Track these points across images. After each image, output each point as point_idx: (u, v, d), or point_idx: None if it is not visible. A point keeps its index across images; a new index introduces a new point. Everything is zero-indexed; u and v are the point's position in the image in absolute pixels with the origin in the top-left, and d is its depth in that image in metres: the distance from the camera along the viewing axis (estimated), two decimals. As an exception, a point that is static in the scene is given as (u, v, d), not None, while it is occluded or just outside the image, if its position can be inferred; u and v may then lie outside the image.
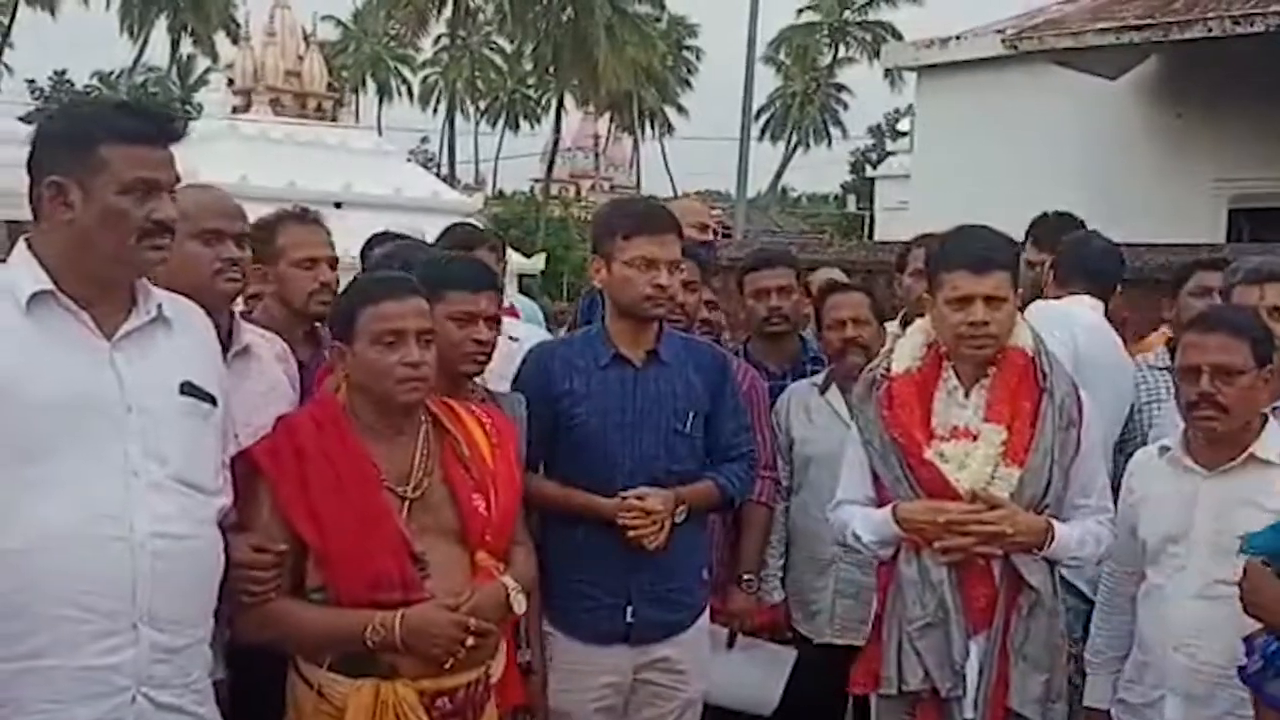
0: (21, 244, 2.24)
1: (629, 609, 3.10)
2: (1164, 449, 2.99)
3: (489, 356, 2.90)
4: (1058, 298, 3.81)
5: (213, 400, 2.36)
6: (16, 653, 2.08)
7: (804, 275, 4.40)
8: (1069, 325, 3.56)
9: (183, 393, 2.30)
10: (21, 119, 13.77)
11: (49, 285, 2.18)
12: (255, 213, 3.11)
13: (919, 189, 11.38)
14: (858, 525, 3.00)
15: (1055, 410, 2.89)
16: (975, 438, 2.86)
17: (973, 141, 10.18)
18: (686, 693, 3.22)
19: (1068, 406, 2.91)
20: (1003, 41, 9.36)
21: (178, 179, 2.28)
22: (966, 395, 2.93)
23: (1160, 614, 2.90)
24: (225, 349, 2.67)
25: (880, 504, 2.97)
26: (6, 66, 43.10)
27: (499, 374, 3.18)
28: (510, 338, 3.89)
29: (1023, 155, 9.53)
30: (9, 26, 44.47)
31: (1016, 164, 9.42)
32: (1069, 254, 3.90)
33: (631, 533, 3.02)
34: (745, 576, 3.71)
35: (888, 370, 3.00)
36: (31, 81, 47.71)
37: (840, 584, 3.79)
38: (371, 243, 3.96)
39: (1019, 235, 4.10)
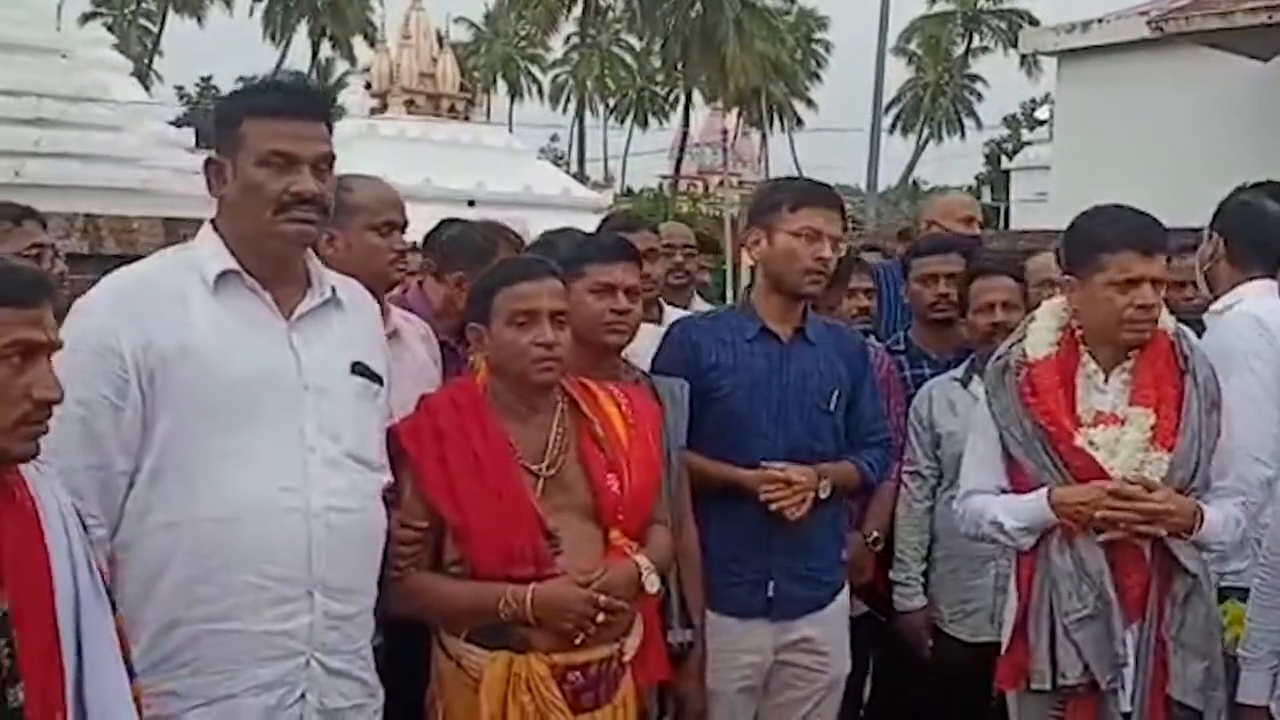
0: (207, 224, 2.33)
1: (770, 584, 3.11)
2: None
3: (631, 327, 2.92)
4: (1233, 285, 3.36)
5: (380, 380, 2.44)
6: (205, 614, 2.18)
7: (1020, 262, 4.18)
8: (1271, 345, 3.17)
9: (353, 372, 2.38)
10: (172, 123, 14.32)
11: (234, 265, 2.26)
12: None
13: (1059, 180, 11.09)
14: (998, 513, 2.89)
15: (1200, 393, 2.82)
16: (1122, 423, 2.80)
17: (1116, 130, 9.87)
18: (829, 674, 3.23)
19: (1210, 389, 2.85)
20: (1148, 24, 9.05)
21: (328, 155, 2.28)
22: (1106, 380, 2.87)
23: None
24: None
25: (1018, 493, 2.89)
26: (157, 74, 44.92)
27: (644, 355, 3.20)
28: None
29: (1169, 143, 9.22)
30: (159, 35, 46.37)
31: (1163, 153, 9.11)
32: (1243, 227, 3.40)
33: (773, 505, 3.03)
34: (867, 532, 3.67)
35: (1024, 356, 2.92)
36: (180, 88, 49.71)
37: (1001, 579, 3.66)
38: (440, 227, 3.93)
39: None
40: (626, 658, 2.63)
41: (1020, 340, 2.98)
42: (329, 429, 2.30)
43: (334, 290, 2.38)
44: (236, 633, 2.19)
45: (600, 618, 2.49)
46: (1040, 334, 2.94)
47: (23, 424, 1.76)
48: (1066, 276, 2.92)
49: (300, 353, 2.29)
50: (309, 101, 2.32)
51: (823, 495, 3.08)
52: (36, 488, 1.84)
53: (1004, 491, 2.93)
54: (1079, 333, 2.89)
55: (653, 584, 2.61)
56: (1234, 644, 3.11)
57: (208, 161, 2.28)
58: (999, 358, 3.00)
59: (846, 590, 3.31)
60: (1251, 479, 3.10)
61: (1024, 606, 2.88)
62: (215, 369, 2.19)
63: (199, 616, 2.18)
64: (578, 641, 2.50)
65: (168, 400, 2.18)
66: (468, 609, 2.53)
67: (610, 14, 48.01)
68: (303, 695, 2.26)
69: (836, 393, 3.16)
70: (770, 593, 3.11)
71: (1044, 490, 2.80)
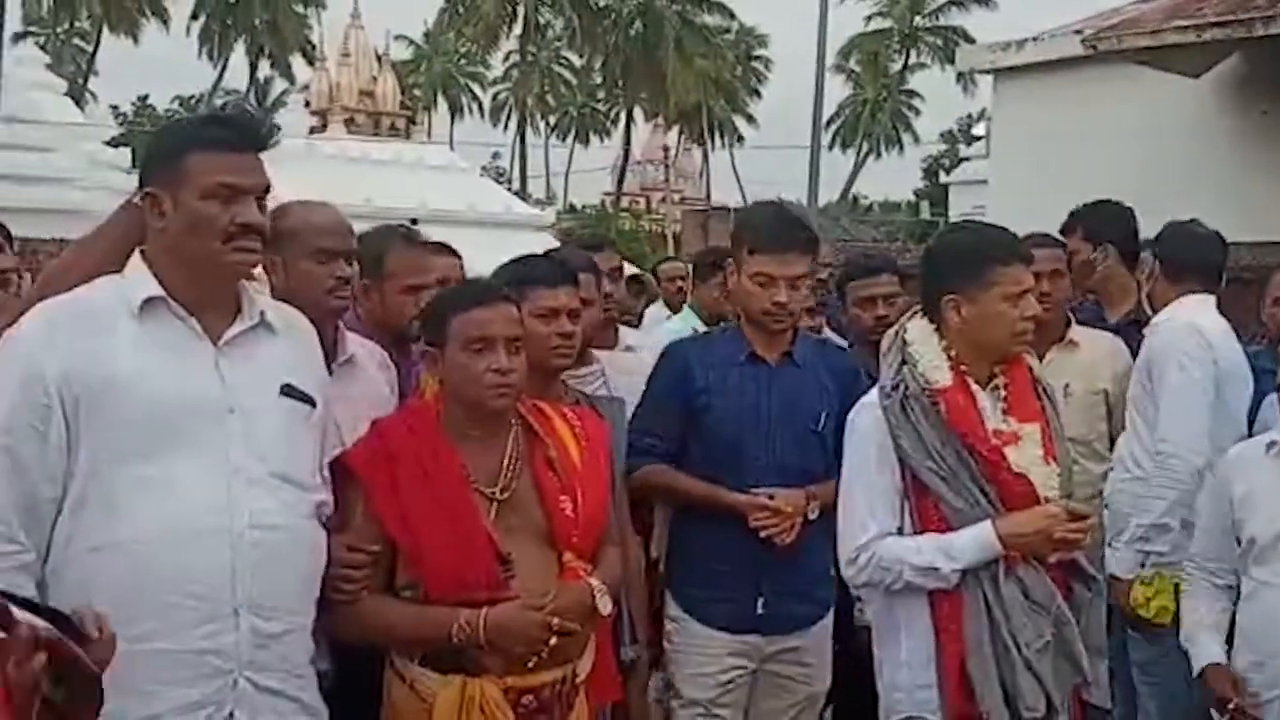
0: (136, 254, 2.35)
1: (760, 600, 3.17)
2: (1272, 444, 2.93)
3: (574, 349, 2.98)
4: (1166, 301, 3.72)
5: (312, 402, 2.45)
6: (128, 635, 2.14)
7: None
8: (1207, 351, 3.53)
9: (283, 394, 2.39)
10: (107, 143, 14.12)
11: (159, 292, 2.28)
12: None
13: (997, 194, 11.24)
14: (930, 557, 2.69)
15: (1049, 398, 2.88)
16: (1018, 439, 2.76)
17: (1052, 144, 10.03)
18: (811, 686, 3.31)
19: (1052, 392, 2.92)
20: (1081, 42, 9.21)
21: (267, 185, 2.34)
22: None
23: (1275, 614, 2.83)
24: (331, 359, 2.74)
25: (924, 532, 2.73)
26: (92, 94, 44.26)
27: (627, 387, 3.32)
28: (627, 347, 3.96)
29: (1104, 158, 9.37)
30: (93, 54, 45.74)
31: (1098, 167, 9.26)
32: (1177, 247, 3.78)
33: (763, 532, 3.09)
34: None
35: (927, 383, 2.76)
36: (115, 107, 48.99)
37: None
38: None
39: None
40: (580, 679, 2.63)
41: (904, 367, 2.81)
42: (256, 450, 2.31)
43: (263, 314, 2.40)
44: (161, 652, 2.19)
45: (553, 641, 2.48)
46: (930, 358, 2.79)
47: None
48: (949, 296, 2.77)
49: (226, 375, 2.31)
50: (252, 134, 2.36)
51: (811, 517, 3.13)
52: None
53: (900, 533, 2.76)
54: (954, 353, 2.79)
55: (605, 606, 2.61)
56: (1161, 613, 3.35)
57: (146, 194, 2.29)
58: (893, 389, 2.79)
59: (832, 610, 3.34)
60: (1182, 470, 3.43)
61: (954, 648, 2.70)
62: (139, 396, 2.21)
63: (124, 638, 2.16)
64: (531, 665, 2.49)
65: (91, 428, 2.20)
66: (419, 633, 2.52)
67: (550, 32, 48.09)
68: (230, 715, 2.26)
69: (825, 413, 3.20)
70: (760, 609, 3.17)
71: (986, 525, 2.67)
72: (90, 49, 45.68)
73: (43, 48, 34.54)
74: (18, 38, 40.66)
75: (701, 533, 3.18)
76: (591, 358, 3.44)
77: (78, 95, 34.23)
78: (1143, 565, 3.48)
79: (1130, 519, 3.53)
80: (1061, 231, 4.08)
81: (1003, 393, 2.81)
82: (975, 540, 2.68)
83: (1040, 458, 2.76)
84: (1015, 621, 2.67)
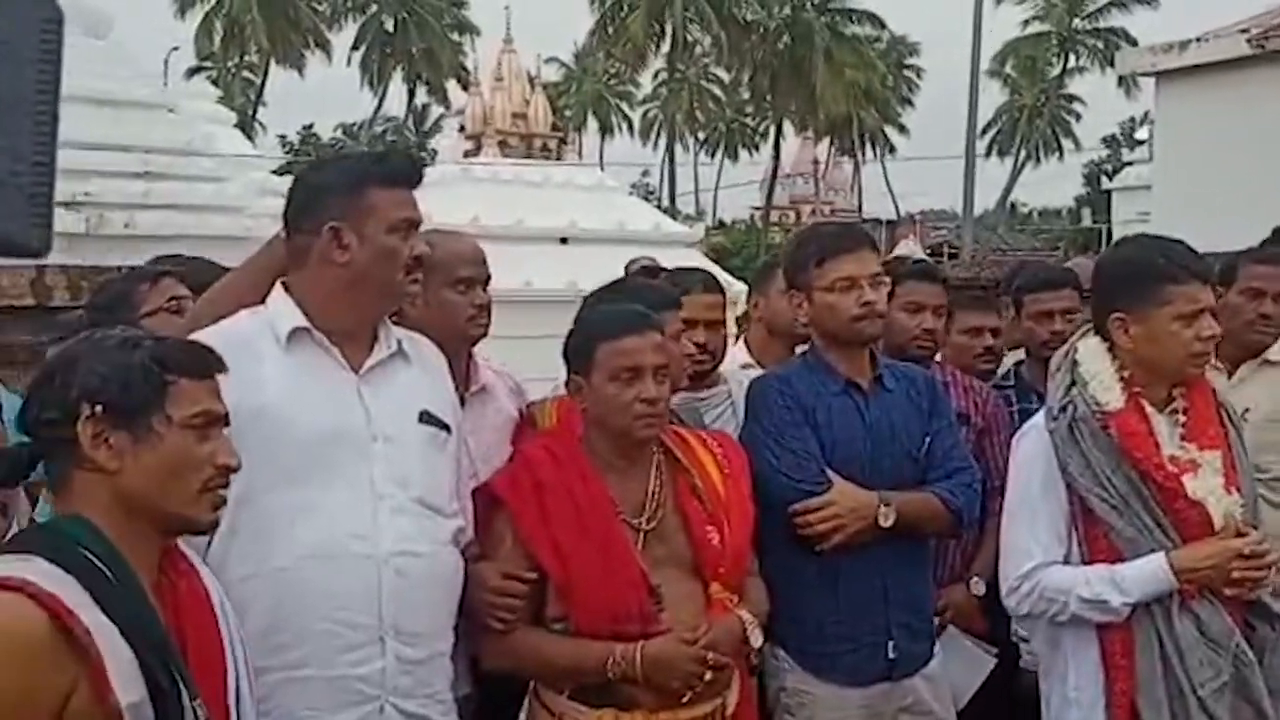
0: (279, 287, 2.42)
1: (890, 644, 2.95)
2: None
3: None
4: None
5: (448, 428, 2.49)
6: (281, 663, 2.24)
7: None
8: None
9: (421, 421, 2.44)
10: (274, 172, 14.70)
11: (305, 323, 2.35)
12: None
13: (1161, 201, 10.84)
14: (1100, 589, 2.58)
15: (1234, 424, 2.72)
16: (1197, 468, 2.61)
17: (1218, 149, 9.62)
18: None
19: (1236, 417, 2.75)
20: (1248, 41, 8.85)
21: (422, 219, 2.45)
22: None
23: None
24: (464, 388, 2.77)
25: (1093, 561, 2.63)
26: (261, 124, 46.24)
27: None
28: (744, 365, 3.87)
29: (1273, 161, 8.96)
30: (261, 86, 47.74)
31: (1266, 170, 8.85)
32: None
33: (808, 529, 2.87)
34: (975, 578, 3.54)
35: (1098, 406, 2.65)
36: (283, 137, 51.06)
37: None
38: None
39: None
40: (729, 712, 2.60)
41: (1073, 388, 2.71)
42: (398, 477, 2.36)
43: (400, 344, 2.46)
44: (313, 679, 2.25)
45: (708, 676, 2.46)
46: (1101, 379, 2.68)
47: (206, 490, 1.84)
48: (1116, 315, 2.67)
49: (369, 404, 2.37)
50: (419, 170, 2.49)
51: (884, 523, 2.90)
52: (201, 570, 1.93)
53: (1067, 561, 2.66)
54: (1127, 374, 2.68)
55: (757, 638, 2.58)
56: None
57: (330, 228, 2.34)
58: (1060, 411, 2.70)
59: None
60: None
61: (1124, 685, 2.60)
62: (288, 425, 2.28)
63: (278, 665, 2.23)
64: (685, 699, 2.48)
65: (243, 457, 2.23)
66: (574, 667, 2.52)
67: (698, 48, 48.19)
68: None
69: (924, 436, 3.05)
70: (891, 653, 2.95)
71: (1159, 556, 2.56)
72: (259, 81, 47.68)
73: (214, 82, 36.21)
74: (191, 73, 42.83)
75: (817, 582, 2.92)
76: (718, 378, 3.33)
77: (247, 126, 35.77)
78: None
79: None
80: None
81: (1181, 417, 2.67)
82: (1146, 572, 2.57)
83: (1221, 487, 2.61)
84: (1190, 660, 2.54)
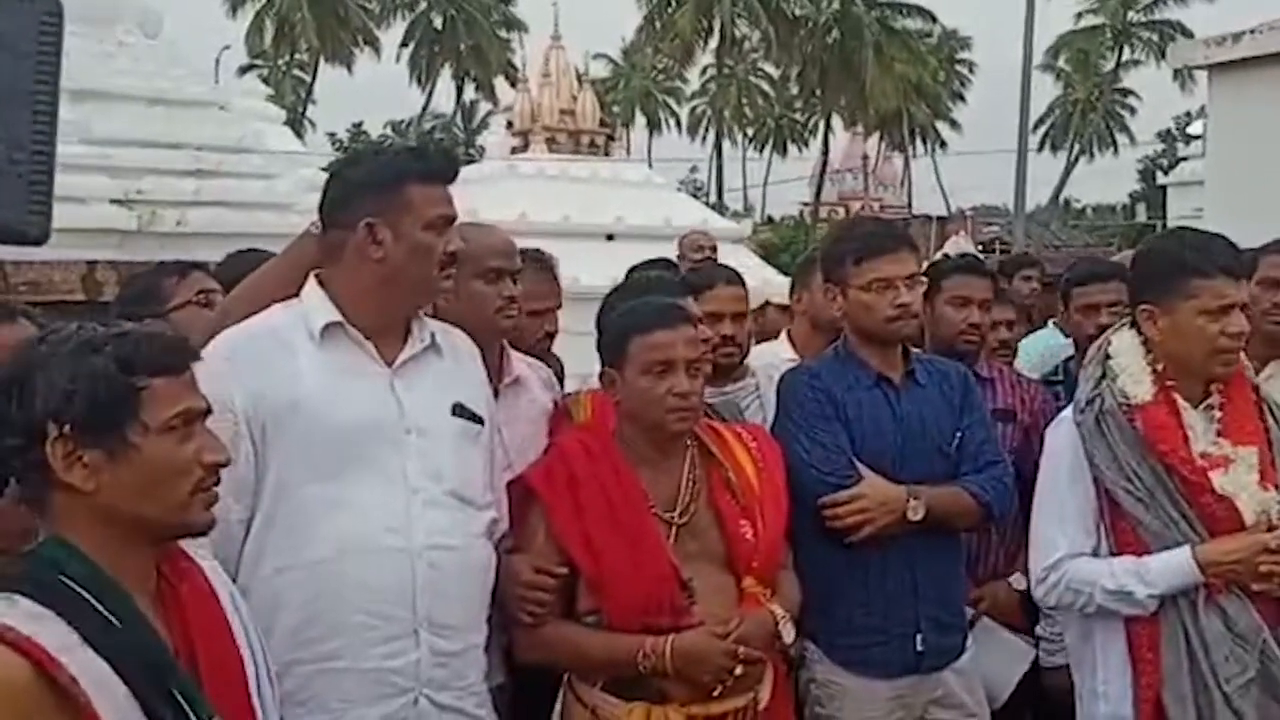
0: (312, 281, 2.42)
1: (919, 636, 2.94)
2: None
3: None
4: None
5: (481, 421, 2.50)
6: (316, 654, 2.26)
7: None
8: None
9: (454, 414, 2.45)
10: (324, 170, 14.80)
11: (338, 317, 2.37)
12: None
13: (1214, 196, 10.65)
14: (1124, 580, 2.59)
15: (1275, 419, 2.67)
16: (1230, 463, 2.59)
17: (1272, 142, 9.45)
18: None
19: (1277, 412, 2.71)
20: (1305, 32, 8.68)
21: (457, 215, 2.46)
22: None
23: None
24: (497, 380, 2.78)
25: (1121, 553, 2.63)
26: (310, 121, 46.69)
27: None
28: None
29: (1332, 155, 8.79)
30: (311, 84, 48.20)
31: (1325, 165, 8.69)
32: None
33: (837, 522, 2.85)
34: (1016, 574, 3.48)
35: (1126, 398, 2.65)
36: (332, 134, 51.52)
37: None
38: None
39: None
40: (761, 707, 2.59)
41: (1103, 381, 2.71)
42: (431, 470, 2.37)
43: (433, 337, 2.47)
44: (347, 671, 2.26)
45: (739, 670, 2.46)
46: (1132, 372, 2.68)
47: (198, 492, 1.71)
48: (1144, 307, 2.68)
49: (402, 398, 2.38)
50: (455, 166, 2.51)
51: (913, 517, 2.88)
52: (204, 566, 1.86)
53: (1095, 554, 2.67)
54: (1160, 368, 2.67)
55: (789, 633, 2.58)
56: None
57: (366, 224, 2.35)
58: (1087, 404, 2.70)
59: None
60: None
61: (1150, 679, 2.59)
62: (323, 419, 2.30)
63: (311, 657, 2.25)
64: (716, 693, 2.48)
65: (278, 450, 2.29)
66: (606, 660, 2.53)
67: (747, 44, 48.02)
68: None
69: (955, 431, 3.03)
70: (920, 646, 2.94)
71: (1184, 549, 2.55)
72: (309, 79, 48.13)
73: (265, 80, 36.60)
74: (242, 71, 43.29)
75: (847, 576, 2.91)
76: (745, 370, 3.32)
77: (297, 124, 36.13)
78: None
79: None
80: None
81: (1217, 413, 2.65)
82: (1172, 565, 2.57)
83: (1256, 482, 2.58)
84: (1215, 655, 2.53)
